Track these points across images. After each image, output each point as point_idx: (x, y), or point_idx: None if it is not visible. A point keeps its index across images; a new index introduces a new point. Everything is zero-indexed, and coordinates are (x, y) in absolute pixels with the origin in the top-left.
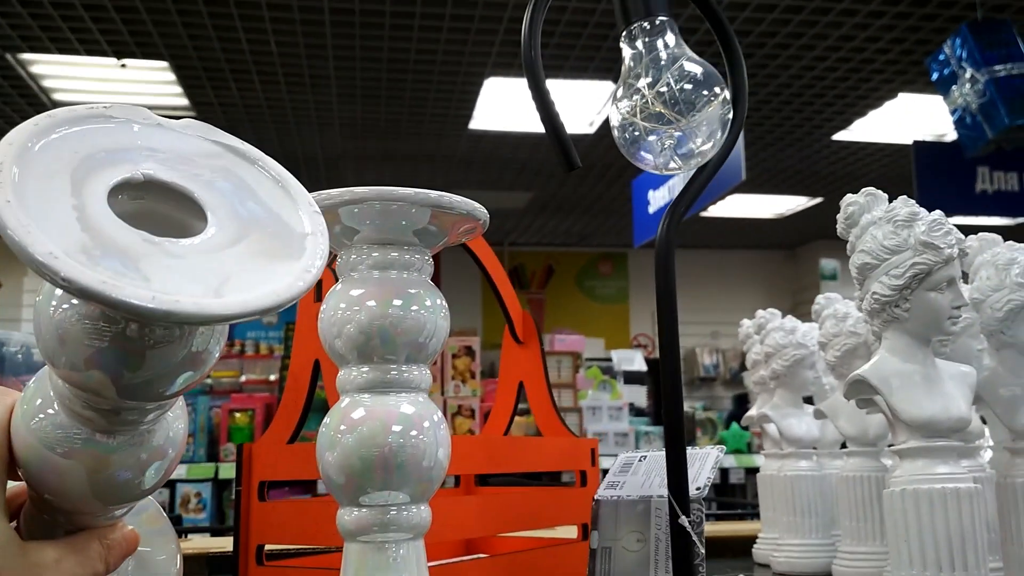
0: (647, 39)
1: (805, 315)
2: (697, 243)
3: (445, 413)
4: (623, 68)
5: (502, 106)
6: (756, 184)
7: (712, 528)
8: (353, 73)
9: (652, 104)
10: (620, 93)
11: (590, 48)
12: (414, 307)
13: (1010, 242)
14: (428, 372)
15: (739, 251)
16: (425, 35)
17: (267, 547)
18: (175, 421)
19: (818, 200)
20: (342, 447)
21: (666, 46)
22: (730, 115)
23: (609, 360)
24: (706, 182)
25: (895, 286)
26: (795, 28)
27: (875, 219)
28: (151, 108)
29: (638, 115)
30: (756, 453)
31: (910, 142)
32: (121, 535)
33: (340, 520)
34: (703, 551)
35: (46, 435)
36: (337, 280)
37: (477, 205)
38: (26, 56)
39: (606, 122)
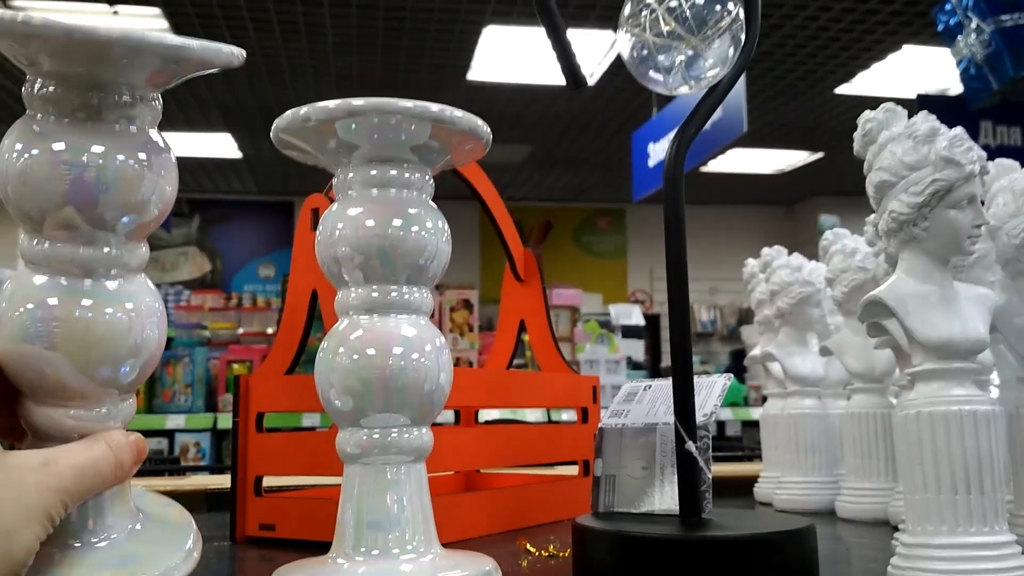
0: None
1: None
2: (695, 199)
3: None
4: None
5: (501, 56)
6: (757, 138)
7: (714, 468)
8: (349, 22)
9: (663, 20)
10: (629, 10)
11: None
12: (414, 227)
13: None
14: (430, 295)
15: (737, 207)
16: None
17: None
18: (149, 326)
19: (818, 155)
20: (342, 369)
21: None
22: (743, 34)
23: (607, 315)
24: (717, 103)
25: (914, 203)
26: None
27: (894, 135)
28: None
29: (648, 32)
30: (753, 406)
31: (914, 96)
32: (124, 437)
33: (340, 443)
34: (710, 477)
35: (26, 329)
36: (333, 203)
37: (479, 122)
38: (18, 2)
39: (607, 74)
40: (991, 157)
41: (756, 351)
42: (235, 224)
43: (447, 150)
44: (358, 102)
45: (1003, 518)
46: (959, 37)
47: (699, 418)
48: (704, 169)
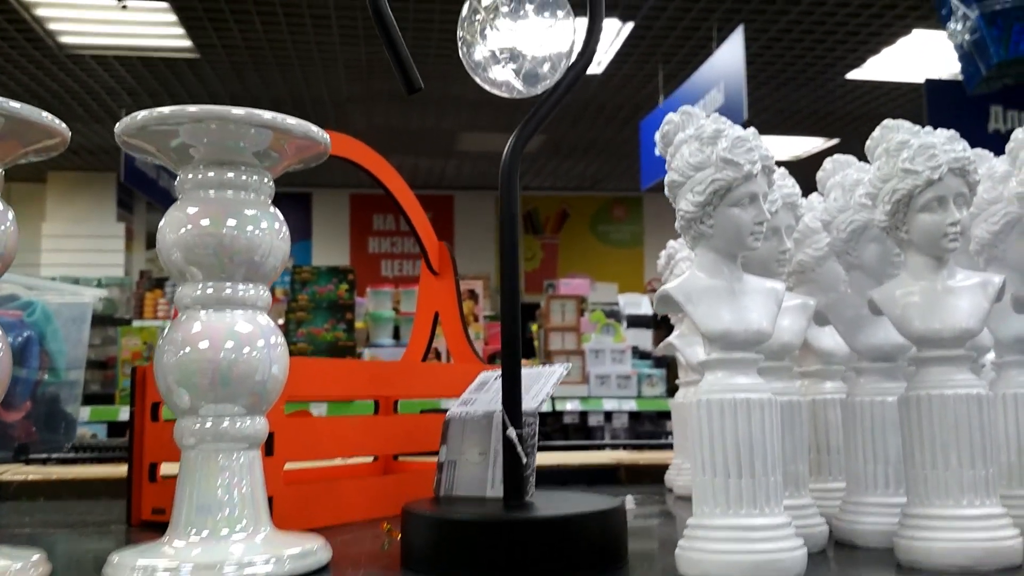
0: None
1: None
2: None
3: None
4: None
5: None
6: (770, 125)
7: (635, 456)
8: (354, 12)
9: (493, 24)
10: (465, 11)
11: None
12: (249, 227)
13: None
14: (266, 291)
15: None
16: None
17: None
18: None
19: (834, 141)
20: (178, 361)
21: None
22: (576, 39)
23: (615, 304)
24: (555, 105)
25: (698, 202)
26: None
27: (686, 137)
28: (155, 50)
29: (478, 35)
30: None
31: (923, 80)
32: None
33: (177, 431)
34: (530, 462)
35: None
36: (176, 202)
37: (313, 128)
38: None
39: (613, 62)
40: (1003, 142)
41: (664, 341)
42: None
43: (284, 155)
44: (195, 110)
45: (777, 501)
46: (949, 23)
47: (530, 405)
48: None
